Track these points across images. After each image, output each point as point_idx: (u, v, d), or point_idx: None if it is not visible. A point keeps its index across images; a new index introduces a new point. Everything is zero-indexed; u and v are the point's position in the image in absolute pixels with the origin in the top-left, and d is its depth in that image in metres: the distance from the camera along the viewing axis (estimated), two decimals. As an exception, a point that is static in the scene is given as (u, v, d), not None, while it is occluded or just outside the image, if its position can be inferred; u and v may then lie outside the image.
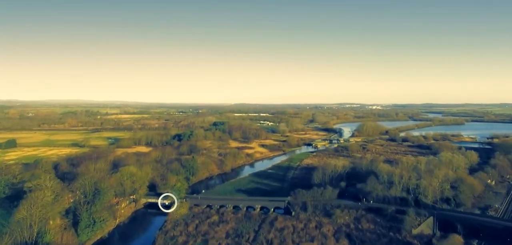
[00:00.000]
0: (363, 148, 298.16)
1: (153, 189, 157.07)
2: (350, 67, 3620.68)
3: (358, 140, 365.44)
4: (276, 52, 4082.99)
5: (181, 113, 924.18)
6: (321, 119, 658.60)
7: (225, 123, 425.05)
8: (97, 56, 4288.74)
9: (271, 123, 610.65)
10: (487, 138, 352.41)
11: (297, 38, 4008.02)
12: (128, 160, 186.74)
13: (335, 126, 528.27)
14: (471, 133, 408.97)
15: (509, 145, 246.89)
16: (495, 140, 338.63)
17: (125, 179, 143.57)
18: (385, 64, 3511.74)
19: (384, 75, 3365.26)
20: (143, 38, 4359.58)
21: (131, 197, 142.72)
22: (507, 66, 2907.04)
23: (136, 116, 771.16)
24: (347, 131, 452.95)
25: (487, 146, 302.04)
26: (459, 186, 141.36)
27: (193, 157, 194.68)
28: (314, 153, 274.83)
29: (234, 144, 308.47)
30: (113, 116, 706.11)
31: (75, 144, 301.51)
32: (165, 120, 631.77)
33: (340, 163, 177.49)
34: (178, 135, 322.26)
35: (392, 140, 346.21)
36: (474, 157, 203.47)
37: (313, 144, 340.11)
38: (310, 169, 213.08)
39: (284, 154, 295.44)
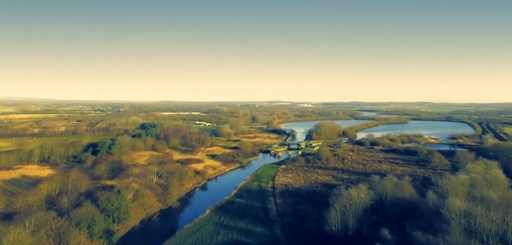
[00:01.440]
0: (334, 155, 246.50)
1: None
2: (280, 67, 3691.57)
3: (319, 143, 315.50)
4: (203, 48, 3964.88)
5: (98, 112, 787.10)
6: (263, 118, 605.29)
7: (157, 126, 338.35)
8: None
9: (209, 124, 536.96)
10: (449, 139, 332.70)
11: (224, 35, 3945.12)
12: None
13: (282, 127, 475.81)
14: (429, 132, 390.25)
15: (507, 148, 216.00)
16: (460, 141, 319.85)
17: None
18: (311, 63, 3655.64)
19: (310, 73, 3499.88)
20: (57, 28, 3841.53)
21: None
22: (423, 67, 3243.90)
23: (37, 116, 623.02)
24: (300, 133, 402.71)
25: (463, 149, 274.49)
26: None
27: (119, 191, 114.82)
28: (283, 166, 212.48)
29: (175, 155, 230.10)
30: (2, 117, 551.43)
31: None
32: (77, 121, 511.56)
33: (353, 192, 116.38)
34: (94, 145, 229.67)
35: (359, 143, 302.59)
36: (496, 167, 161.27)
37: (272, 151, 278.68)
38: (294, 195, 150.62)
39: (241, 167, 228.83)
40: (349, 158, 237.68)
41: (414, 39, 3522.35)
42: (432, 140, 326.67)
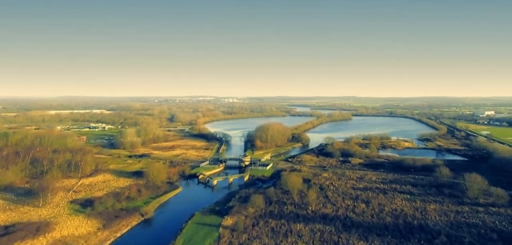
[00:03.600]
0: (305, 180, 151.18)
1: None
2: (201, 62, 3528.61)
3: (268, 154, 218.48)
4: (118, 38, 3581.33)
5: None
6: (184, 117, 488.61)
7: None
8: None
9: (110, 127, 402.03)
10: (422, 141, 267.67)
11: (142, 26, 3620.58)
12: None
13: (210, 128, 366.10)
14: (388, 131, 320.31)
15: None
16: (439, 143, 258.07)
17: None
18: (234, 56, 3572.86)
19: (233, 68, 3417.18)
20: None
21: None
22: (344, 63, 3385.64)
23: None
24: (235, 137, 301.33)
25: (458, 157, 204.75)
26: None
27: None
28: (228, 219, 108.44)
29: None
30: None
31: None
32: None
33: None
34: None
35: (325, 154, 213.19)
36: None
37: (200, 177, 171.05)
38: None
39: (145, 221, 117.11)
40: (331, 187, 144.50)
41: (336, 36, 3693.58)
42: (408, 145, 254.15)
